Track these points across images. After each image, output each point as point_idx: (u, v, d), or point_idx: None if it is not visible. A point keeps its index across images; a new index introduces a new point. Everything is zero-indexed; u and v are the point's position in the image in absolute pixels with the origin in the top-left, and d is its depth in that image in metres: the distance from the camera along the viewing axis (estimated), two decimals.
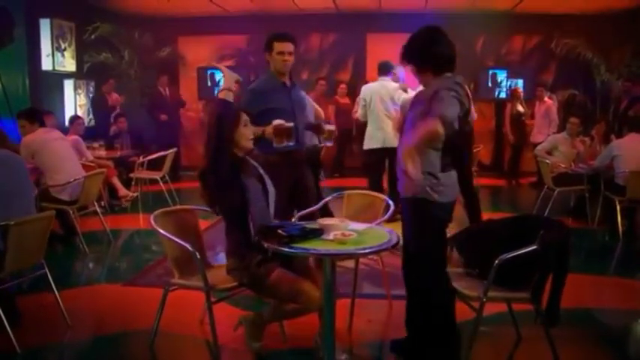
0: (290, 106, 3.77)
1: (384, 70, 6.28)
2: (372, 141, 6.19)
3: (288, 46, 3.74)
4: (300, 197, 3.87)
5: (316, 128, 3.98)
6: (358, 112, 6.50)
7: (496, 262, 2.72)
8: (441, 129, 2.58)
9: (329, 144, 4.09)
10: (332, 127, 3.96)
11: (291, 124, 3.56)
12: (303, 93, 4.06)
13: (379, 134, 6.11)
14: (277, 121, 3.52)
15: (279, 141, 3.51)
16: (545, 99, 8.91)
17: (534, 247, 2.69)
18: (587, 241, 6.01)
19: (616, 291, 4.57)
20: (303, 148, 3.89)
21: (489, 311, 3.29)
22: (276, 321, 3.05)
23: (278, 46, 3.73)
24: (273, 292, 2.91)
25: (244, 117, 2.95)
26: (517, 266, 2.76)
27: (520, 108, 9.03)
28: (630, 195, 5.69)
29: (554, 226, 2.90)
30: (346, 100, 9.75)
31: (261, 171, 3.02)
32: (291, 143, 3.55)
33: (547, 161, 6.60)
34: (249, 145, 2.95)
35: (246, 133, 2.93)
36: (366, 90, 6.29)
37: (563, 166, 6.50)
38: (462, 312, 3.04)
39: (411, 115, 2.88)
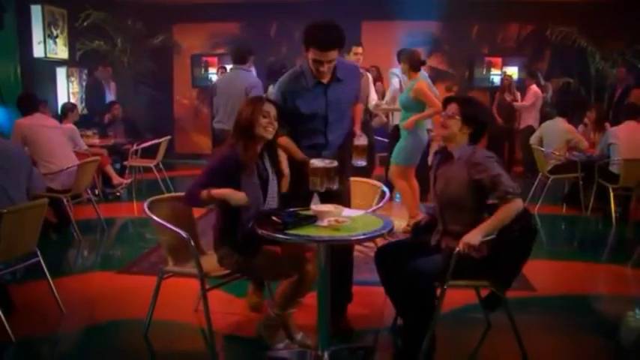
0: (323, 109, 3.10)
1: None
2: None
3: (328, 56, 2.93)
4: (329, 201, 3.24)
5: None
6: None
7: (454, 252, 2.71)
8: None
9: (361, 163, 3.30)
10: (362, 142, 3.26)
11: (334, 164, 2.84)
12: (347, 88, 3.18)
13: None
14: (314, 161, 2.85)
15: (313, 183, 2.83)
16: (531, 87, 8.92)
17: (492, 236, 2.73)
18: (580, 228, 6.04)
19: (609, 278, 4.60)
20: (335, 152, 3.19)
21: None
22: (287, 308, 2.95)
23: (315, 53, 2.93)
24: (263, 273, 2.94)
25: (266, 108, 2.90)
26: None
27: (507, 96, 9.06)
28: (624, 183, 5.72)
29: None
30: None
31: (267, 164, 3.00)
32: (333, 187, 2.85)
33: (542, 149, 6.61)
34: (266, 134, 2.90)
35: (263, 123, 2.88)
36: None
37: (557, 154, 6.51)
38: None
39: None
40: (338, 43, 2.94)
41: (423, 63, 5.49)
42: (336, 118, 3.15)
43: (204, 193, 2.79)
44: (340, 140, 3.24)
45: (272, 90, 5.45)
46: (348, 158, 3.31)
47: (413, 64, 5.27)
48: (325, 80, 3.07)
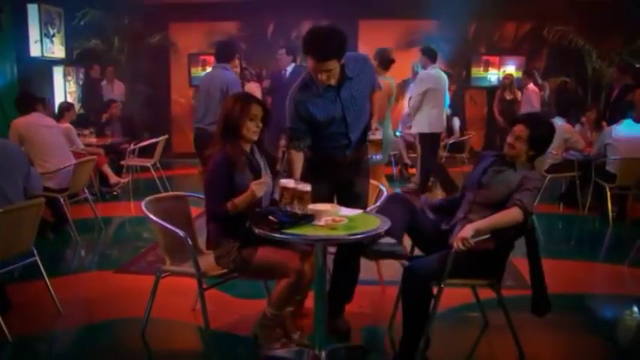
0: (340, 113, 2.98)
1: (435, 56, 6.67)
2: (434, 125, 6.54)
3: (326, 66, 2.79)
4: (345, 203, 3.02)
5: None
6: (413, 102, 6.69)
7: (452, 251, 2.71)
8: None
9: (377, 157, 3.25)
10: (378, 137, 3.18)
11: (306, 189, 2.67)
12: (360, 85, 3.01)
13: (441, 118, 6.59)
14: (284, 181, 2.75)
15: (285, 203, 2.70)
16: (529, 86, 8.94)
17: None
18: (577, 227, 6.04)
19: (606, 276, 4.60)
20: (352, 153, 3.14)
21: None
22: (283, 308, 2.93)
23: (312, 62, 2.80)
24: (260, 273, 2.93)
25: (254, 111, 2.90)
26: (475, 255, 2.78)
27: (507, 95, 9.07)
28: (620, 182, 5.72)
29: None
30: None
31: (262, 162, 3.00)
32: (299, 212, 2.63)
33: None
34: (253, 137, 2.91)
35: (250, 126, 2.88)
36: (431, 78, 6.58)
37: (554, 153, 6.52)
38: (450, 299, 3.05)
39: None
40: (336, 54, 2.77)
41: (393, 61, 5.70)
42: (355, 117, 3.03)
43: (229, 205, 2.79)
44: (359, 136, 3.14)
45: (248, 89, 5.46)
46: (366, 154, 3.24)
47: (382, 61, 5.46)
48: (334, 82, 2.89)
